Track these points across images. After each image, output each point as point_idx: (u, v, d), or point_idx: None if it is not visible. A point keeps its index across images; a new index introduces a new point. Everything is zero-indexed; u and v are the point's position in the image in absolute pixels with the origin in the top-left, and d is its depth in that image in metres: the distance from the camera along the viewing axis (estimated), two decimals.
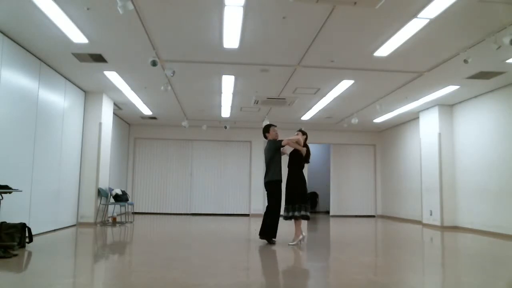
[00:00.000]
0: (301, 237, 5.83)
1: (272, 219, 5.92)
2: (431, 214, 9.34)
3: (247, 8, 4.51)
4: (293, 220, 5.86)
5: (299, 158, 6.03)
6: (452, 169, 9.03)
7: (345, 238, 7.31)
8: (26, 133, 6.01)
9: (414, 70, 6.64)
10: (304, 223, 10.13)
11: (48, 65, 6.63)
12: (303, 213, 5.75)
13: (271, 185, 5.97)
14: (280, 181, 5.99)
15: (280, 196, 5.97)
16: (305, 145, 6.10)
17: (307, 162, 6.15)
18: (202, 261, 4.49)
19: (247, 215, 12.27)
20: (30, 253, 4.80)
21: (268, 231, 5.93)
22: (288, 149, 6.19)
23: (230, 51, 5.82)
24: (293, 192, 5.85)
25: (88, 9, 4.57)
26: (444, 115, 9.20)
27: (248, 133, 12.54)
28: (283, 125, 11.59)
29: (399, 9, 4.46)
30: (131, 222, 9.35)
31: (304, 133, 6.15)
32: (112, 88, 8.11)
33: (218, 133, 12.41)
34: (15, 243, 4.89)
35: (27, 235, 5.22)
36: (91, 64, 6.54)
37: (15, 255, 4.52)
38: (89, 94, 8.45)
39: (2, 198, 4.82)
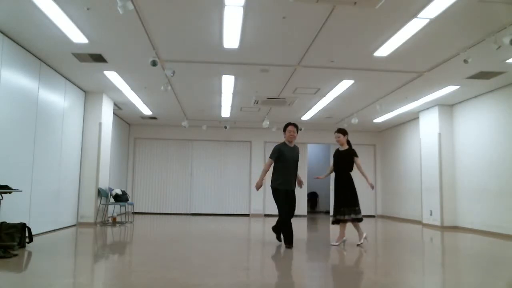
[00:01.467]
0: (365, 234, 5.96)
1: (279, 222, 5.92)
2: (431, 214, 9.34)
3: (247, 8, 4.51)
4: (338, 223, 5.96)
5: (343, 161, 6.02)
6: (452, 169, 9.03)
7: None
8: (26, 133, 6.01)
9: (414, 70, 6.65)
10: (308, 223, 10.14)
11: (48, 65, 6.63)
12: (353, 216, 5.82)
13: (272, 192, 5.83)
14: (276, 189, 5.71)
15: (279, 202, 5.68)
16: (348, 143, 6.13)
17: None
18: (202, 261, 4.49)
19: (247, 215, 12.27)
20: (30, 253, 4.80)
21: (275, 229, 6.11)
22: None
23: (230, 51, 5.82)
24: (339, 194, 5.91)
25: (88, 9, 4.57)
26: (444, 115, 9.20)
27: (248, 133, 12.54)
28: (283, 125, 11.58)
29: (399, 9, 4.46)
30: (131, 222, 9.35)
31: (345, 133, 6.12)
32: (112, 88, 8.11)
33: (218, 133, 12.41)
34: (15, 243, 4.89)
35: (27, 235, 5.23)
36: (91, 64, 6.54)
37: (15, 255, 4.53)
38: (89, 94, 8.45)
39: (2, 198, 4.82)
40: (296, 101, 8.89)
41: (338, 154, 6.13)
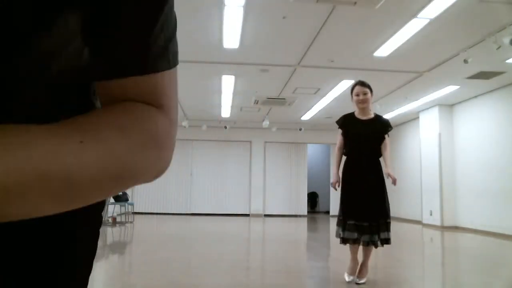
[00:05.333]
0: (365, 280, 3.53)
1: None
2: (431, 214, 9.34)
3: (247, 8, 4.51)
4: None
5: (371, 138, 3.61)
6: (452, 169, 9.03)
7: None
8: None
9: (414, 70, 6.64)
10: (309, 224, 10.12)
11: None
12: (382, 237, 3.44)
13: None
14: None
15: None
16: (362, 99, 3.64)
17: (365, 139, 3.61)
18: (202, 261, 4.49)
19: (247, 215, 12.27)
20: None
21: None
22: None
23: (230, 51, 5.82)
24: (357, 198, 3.49)
25: None
26: (444, 115, 9.20)
27: (248, 133, 12.54)
28: (283, 125, 11.60)
29: (399, 9, 4.46)
30: (131, 222, 9.35)
31: (372, 91, 3.75)
32: None
33: (218, 133, 12.41)
34: None
35: None
36: None
37: None
38: None
39: None
40: (296, 101, 8.89)
41: (359, 126, 3.61)
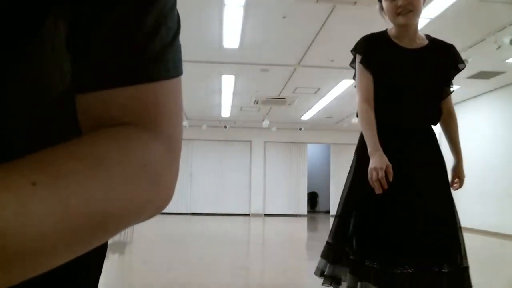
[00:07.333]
0: None
1: None
2: None
3: (247, 8, 4.51)
4: None
5: (424, 82, 1.87)
6: None
7: None
8: None
9: None
10: (308, 225, 10.12)
11: None
12: None
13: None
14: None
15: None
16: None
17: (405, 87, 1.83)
18: (202, 260, 4.49)
19: (247, 214, 12.28)
20: None
21: None
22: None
23: (230, 51, 5.82)
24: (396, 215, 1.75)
25: None
26: None
27: (248, 133, 12.54)
28: (283, 125, 11.60)
29: None
30: None
31: None
32: None
33: (218, 133, 12.41)
34: None
35: None
36: None
37: None
38: None
39: None
40: (296, 101, 8.90)
41: (401, 60, 1.89)
